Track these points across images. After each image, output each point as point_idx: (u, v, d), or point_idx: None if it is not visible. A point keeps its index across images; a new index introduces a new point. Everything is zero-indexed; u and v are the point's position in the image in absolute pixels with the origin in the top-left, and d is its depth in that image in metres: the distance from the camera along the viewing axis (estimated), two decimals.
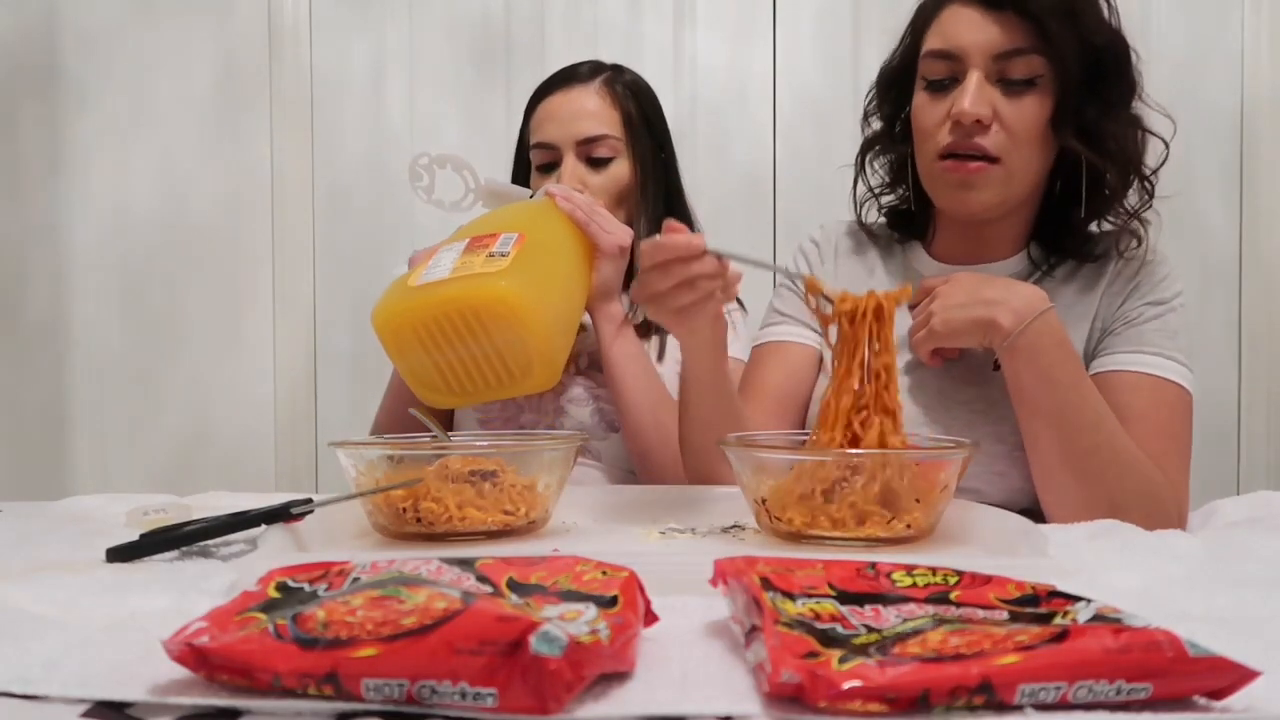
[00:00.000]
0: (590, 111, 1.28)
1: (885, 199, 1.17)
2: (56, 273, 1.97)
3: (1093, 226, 1.09)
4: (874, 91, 1.15)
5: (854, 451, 0.83)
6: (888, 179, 1.16)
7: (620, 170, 1.28)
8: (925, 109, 1.04)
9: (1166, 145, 1.04)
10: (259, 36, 1.96)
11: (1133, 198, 1.04)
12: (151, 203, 1.97)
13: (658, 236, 0.87)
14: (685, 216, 1.31)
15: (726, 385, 1.00)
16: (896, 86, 1.11)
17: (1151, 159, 1.04)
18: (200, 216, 1.98)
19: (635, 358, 1.18)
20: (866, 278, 1.16)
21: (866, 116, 1.15)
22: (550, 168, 1.29)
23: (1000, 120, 0.99)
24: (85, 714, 0.41)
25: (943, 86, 1.02)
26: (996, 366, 0.99)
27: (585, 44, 1.94)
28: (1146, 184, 1.04)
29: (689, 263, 0.86)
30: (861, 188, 1.17)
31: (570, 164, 1.26)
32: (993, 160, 1.00)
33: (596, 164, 1.27)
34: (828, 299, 0.88)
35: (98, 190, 1.97)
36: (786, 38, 1.96)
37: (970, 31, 0.99)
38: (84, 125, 1.97)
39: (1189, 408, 1.01)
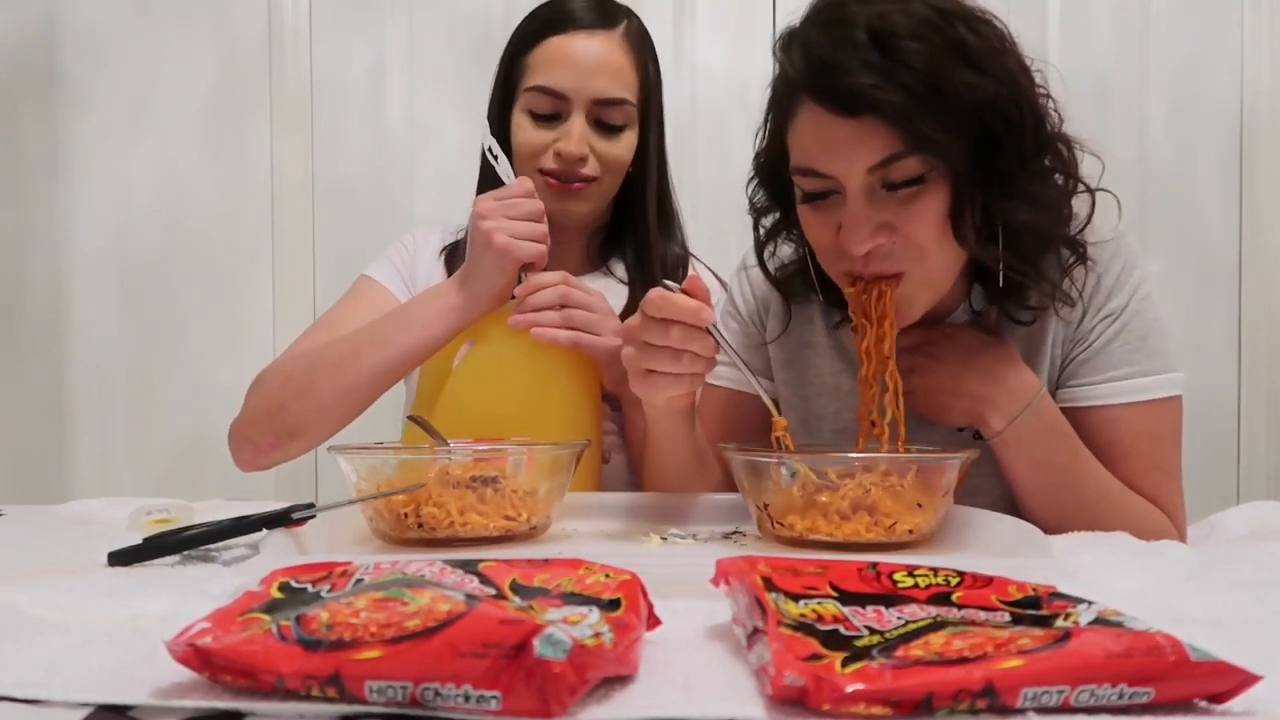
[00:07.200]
0: (615, 67, 1.13)
1: (794, 292, 1.02)
2: (56, 273, 1.97)
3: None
4: (755, 181, 0.98)
5: (855, 455, 0.83)
6: (792, 273, 1.01)
7: (630, 140, 1.17)
8: (811, 225, 0.89)
9: (1092, 194, 0.89)
10: (259, 37, 1.96)
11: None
12: (151, 203, 1.97)
13: (669, 289, 0.79)
14: (668, 194, 1.25)
15: (694, 441, 0.95)
16: (776, 173, 0.94)
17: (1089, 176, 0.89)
18: (200, 217, 1.97)
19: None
20: (802, 349, 1.05)
21: (753, 206, 0.99)
22: (553, 119, 1.14)
23: (898, 233, 0.84)
24: (87, 718, 0.41)
25: (822, 197, 0.86)
26: (978, 435, 0.93)
27: None
28: (1078, 248, 0.90)
29: (689, 331, 0.79)
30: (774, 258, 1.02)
31: (579, 126, 1.13)
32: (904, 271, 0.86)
33: (608, 130, 1.15)
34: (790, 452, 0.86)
35: (98, 190, 1.96)
36: None
37: (833, 151, 0.83)
38: (84, 125, 1.96)
39: (1177, 416, 0.94)
